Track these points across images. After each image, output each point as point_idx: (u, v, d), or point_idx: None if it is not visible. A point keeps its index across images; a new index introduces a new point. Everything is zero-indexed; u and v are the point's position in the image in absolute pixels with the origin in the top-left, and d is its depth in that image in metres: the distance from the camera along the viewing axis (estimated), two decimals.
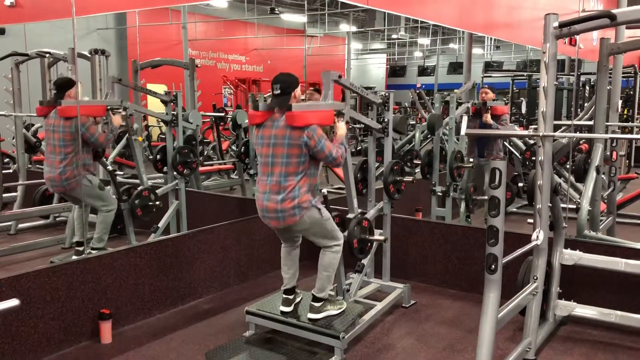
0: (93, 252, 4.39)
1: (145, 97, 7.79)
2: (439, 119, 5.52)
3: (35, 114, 7.01)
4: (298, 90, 3.30)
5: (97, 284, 3.56)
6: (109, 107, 4.63)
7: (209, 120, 9.13)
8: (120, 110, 4.63)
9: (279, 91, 3.22)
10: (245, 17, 16.03)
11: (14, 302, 1.82)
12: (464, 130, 5.57)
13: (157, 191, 4.98)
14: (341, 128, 3.40)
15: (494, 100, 5.96)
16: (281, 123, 3.21)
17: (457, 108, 5.79)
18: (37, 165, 7.50)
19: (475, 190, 5.67)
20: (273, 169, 3.24)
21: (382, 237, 3.85)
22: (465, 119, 5.62)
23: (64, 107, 4.38)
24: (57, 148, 4.45)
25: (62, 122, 4.42)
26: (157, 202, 4.92)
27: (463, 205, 5.76)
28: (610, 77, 4.93)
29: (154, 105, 6.49)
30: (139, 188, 4.88)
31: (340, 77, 3.44)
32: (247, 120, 7.05)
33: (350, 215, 3.70)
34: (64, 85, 4.52)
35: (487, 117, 5.66)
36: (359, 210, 3.76)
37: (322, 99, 3.44)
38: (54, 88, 4.69)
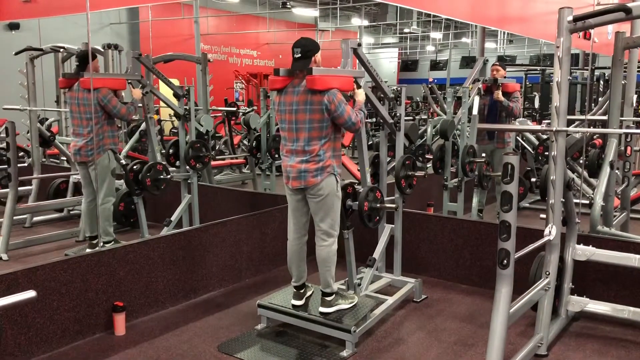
0: (106, 245, 4.44)
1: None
2: (451, 124, 5.48)
3: (49, 109, 7.12)
4: (318, 55, 3.31)
5: (111, 277, 3.61)
6: (129, 81, 4.71)
7: (220, 115, 9.17)
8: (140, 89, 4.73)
9: (299, 55, 3.24)
10: (257, 11, 16.03)
11: (31, 294, 1.85)
12: (475, 109, 5.52)
13: (171, 173, 4.99)
14: (360, 94, 3.43)
15: (505, 77, 5.89)
16: (302, 88, 3.23)
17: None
18: (51, 159, 7.59)
19: (489, 166, 5.61)
20: (298, 135, 3.28)
21: (393, 205, 3.86)
22: (477, 98, 5.57)
23: (87, 79, 4.45)
24: (83, 121, 4.62)
25: (85, 94, 4.55)
26: (169, 176, 4.87)
27: (475, 200, 5.75)
28: (625, 72, 4.87)
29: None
30: (151, 162, 4.91)
31: (360, 44, 3.44)
32: (260, 121, 7.07)
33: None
34: (86, 58, 4.58)
35: (498, 95, 5.59)
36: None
37: (341, 67, 3.45)
38: (76, 60, 4.79)
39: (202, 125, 5.81)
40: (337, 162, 3.36)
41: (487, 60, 6.14)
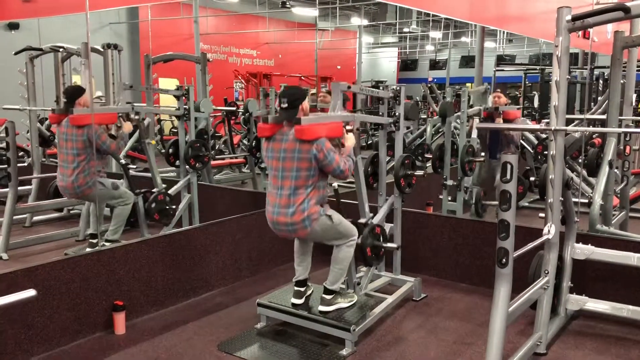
0: (107, 244, 4.45)
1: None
2: (450, 106, 5.51)
3: (49, 108, 7.11)
4: (306, 103, 3.33)
5: (111, 276, 3.61)
6: (120, 115, 4.70)
7: (220, 114, 9.17)
8: (132, 117, 4.72)
9: (286, 105, 3.25)
10: (256, 11, 16.03)
11: (31, 293, 1.86)
12: (475, 133, 5.57)
13: (170, 191, 5.07)
14: (350, 139, 3.45)
15: (506, 104, 5.96)
16: (290, 137, 3.24)
17: (468, 102, 5.79)
18: (50, 159, 7.58)
19: (485, 195, 5.68)
20: (283, 183, 3.27)
21: (394, 245, 3.89)
22: (476, 120, 5.63)
23: (76, 115, 4.42)
24: (69, 156, 4.50)
25: (74, 130, 4.46)
26: (174, 207, 5.01)
27: (474, 199, 5.75)
28: (624, 71, 4.88)
29: (167, 99, 6.53)
30: (155, 192, 4.97)
31: (349, 87, 3.49)
32: (258, 108, 7.11)
33: (362, 220, 3.75)
34: (75, 94, 4.57)
35: (500, 122, 5.65)
36: (371, 215, 3.81)
37: (331, 109, 3.49)
38: (65, 97, 4.75)
39: (202, 112, 5.78)
40: (322, 205, 3.34)
41: (489, 89, 6.26)
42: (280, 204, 3.28)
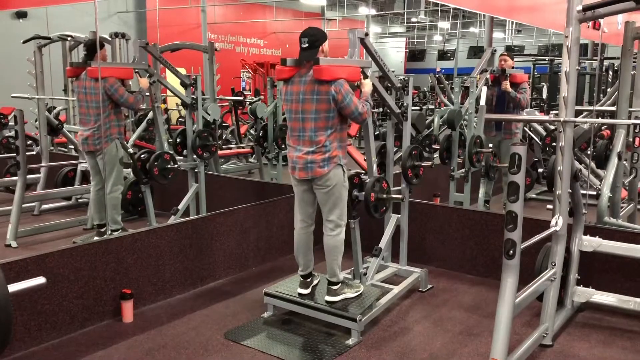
0: (114, 233, 4.48)
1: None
2: (458, 114, 5.46)
3: (57, 97, 7.15)
4: (326, 45, 3.32)
5: (119, 265, 3.64)
6: (136, 70, 4.72)
7: (227, 104, 9.17)
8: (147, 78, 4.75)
9: (306, 45, 3.23)
10: (263, 0, 15.97)
11: (40, 280, 1.88)
12: (483, 100, 5.48)
13: (178, 162, 5.01)
14: (367, 85, 3.43)
15: (513, 67, 5.85)
16: (309, 78, 3.24)
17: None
18: (59, 148, 7.63)
19: (495, 157, 5.58)
20: (304, 125, 3.28)
21: (399, 196, 3.86)
22: (484, 89, 5.53)
23: (94, 68, 4.47)
24: (90, 109, 4.64)
25: (93, 83, 4.56)
26: (176, 165, 4.91)
27: (482, 190, 5.74)
28: (634, 62, 4.84)
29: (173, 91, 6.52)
30: (158, 151, 4.94)
31: (367, 35, 3.44)
32: (267, 110, 7.07)
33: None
34: (94, 46, 4.58)
35: (506, 85, 5.55)
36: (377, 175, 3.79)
37: (348, 57, 3.45)
38: (84, 49, 4.80)
39: (209, 115, 5.82)
40: (342, 153, 3.37)
41: (495, 51, 6.10)
42: (304, 144, 3.30)
